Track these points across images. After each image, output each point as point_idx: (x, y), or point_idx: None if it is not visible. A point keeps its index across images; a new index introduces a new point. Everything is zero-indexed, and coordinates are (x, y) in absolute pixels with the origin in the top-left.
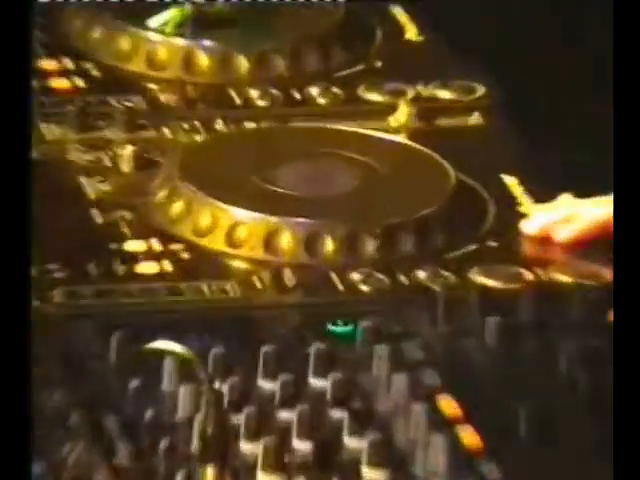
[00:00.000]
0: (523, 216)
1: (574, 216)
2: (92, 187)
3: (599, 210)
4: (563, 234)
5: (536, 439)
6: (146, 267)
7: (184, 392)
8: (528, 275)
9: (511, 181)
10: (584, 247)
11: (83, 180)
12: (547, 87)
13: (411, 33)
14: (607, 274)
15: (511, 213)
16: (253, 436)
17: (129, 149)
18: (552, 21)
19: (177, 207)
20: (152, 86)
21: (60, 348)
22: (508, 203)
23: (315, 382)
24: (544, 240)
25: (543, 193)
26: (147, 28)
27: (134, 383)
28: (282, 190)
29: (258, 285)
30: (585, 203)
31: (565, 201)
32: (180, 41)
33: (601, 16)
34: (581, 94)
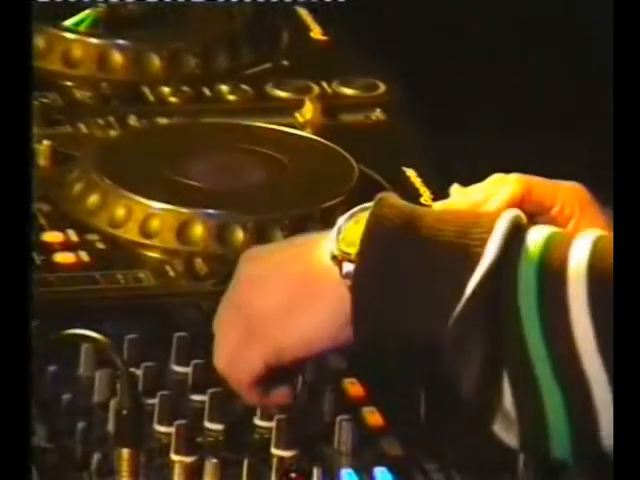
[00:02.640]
0: (424, 206)
1: (489, 198)
2: None
3: (507, 189)
4: None
5: None
6: (63, 257)
7: (100, 376)
8: None
9: (411, 173)
10: None
11: None
12: (446, 83)
13: (316, 33)
14: None
15: (413, 203)
16: (167, 418)
17: (46, 144)
18: (452, 22)
19: (93, 199)
20: (68, 83)
21: None
22: (409, 194)
23: None
24: None
25: (441, 183)
26: (62, 27)
27: (52, 368)
28: (193, 183)
29: (171, 274)
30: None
31: (456, 191)
32: (94, 40)
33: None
34: (477, 92)
